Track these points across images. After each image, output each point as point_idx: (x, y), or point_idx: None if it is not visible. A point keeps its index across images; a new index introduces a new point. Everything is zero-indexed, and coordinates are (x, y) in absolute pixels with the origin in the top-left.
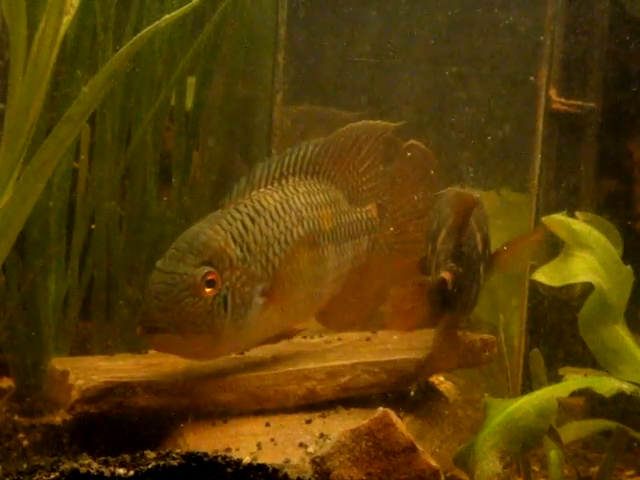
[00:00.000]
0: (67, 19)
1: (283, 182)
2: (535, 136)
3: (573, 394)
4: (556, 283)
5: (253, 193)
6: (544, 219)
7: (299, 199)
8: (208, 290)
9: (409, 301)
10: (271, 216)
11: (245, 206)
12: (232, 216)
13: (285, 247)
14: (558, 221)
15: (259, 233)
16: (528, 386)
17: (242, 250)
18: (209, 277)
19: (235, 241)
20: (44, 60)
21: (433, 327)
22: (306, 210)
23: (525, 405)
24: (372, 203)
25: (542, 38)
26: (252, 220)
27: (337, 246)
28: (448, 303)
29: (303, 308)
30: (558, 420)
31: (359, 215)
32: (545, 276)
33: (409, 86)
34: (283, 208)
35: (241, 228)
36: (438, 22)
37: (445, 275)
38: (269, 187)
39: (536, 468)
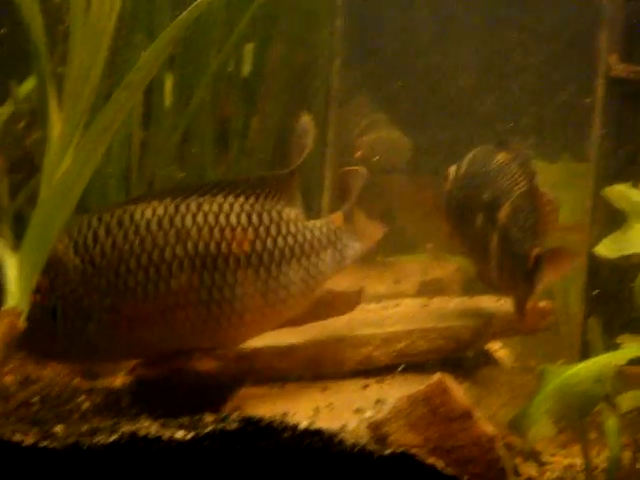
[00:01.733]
0: None
1: (193, 198)
2: (595, 103)
3: (632, 362)
4: (613, 255)
5: (131, 205)
6: (604, 190)
7: (195, 218)
8: (34, 296)
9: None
10: (136, 231)
11: (111, 216)
12: (88, 224)
13: (147, 265)
14: (618, 192)
15: (110, 246)
16: (586, 354)
17: (83, 261)
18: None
19: (77, 251)
20: (103, 25)
21: None
22: (199, 231)
23: (582, 371)
24: (335, 213)
25: (603, 1)
26: (108, 232)
27: (264, 270)
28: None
29: (208, 328)
30: (618, 389)
31: (316, 232)
32: (605, 248)
33: (468, 52)
34: (160, 224)
35: (90, 239)
36: None
37: (539, 252)
38: (162, 202)
39: (593, 436)
